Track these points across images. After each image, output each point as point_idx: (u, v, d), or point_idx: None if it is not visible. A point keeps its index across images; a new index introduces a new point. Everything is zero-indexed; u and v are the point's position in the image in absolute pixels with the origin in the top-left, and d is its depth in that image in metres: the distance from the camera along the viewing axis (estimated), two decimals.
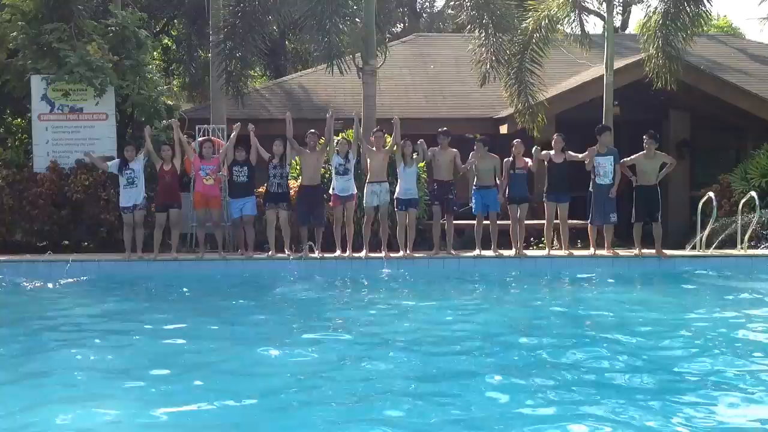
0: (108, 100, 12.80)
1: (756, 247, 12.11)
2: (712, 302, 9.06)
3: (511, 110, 14.59)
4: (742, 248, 11.83)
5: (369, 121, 12.72)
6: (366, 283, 10.37)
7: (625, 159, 11.55)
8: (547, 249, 11.91)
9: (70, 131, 12.78)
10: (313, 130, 11.59)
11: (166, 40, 25.61)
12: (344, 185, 11.36)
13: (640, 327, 7.48)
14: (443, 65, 19.23)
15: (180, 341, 6.90)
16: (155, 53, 20.31)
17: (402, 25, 32.42)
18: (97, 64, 12.38)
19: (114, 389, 5.41)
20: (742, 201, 12.16)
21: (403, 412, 4.89)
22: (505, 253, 11.56)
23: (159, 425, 4.74)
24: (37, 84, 12.71)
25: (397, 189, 11.45)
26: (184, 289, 9.82)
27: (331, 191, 11.44)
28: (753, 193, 12.05)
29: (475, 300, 9.51)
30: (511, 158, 11.55)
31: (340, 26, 12.75)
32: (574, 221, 12.37)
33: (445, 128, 11.81)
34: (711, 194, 12.09)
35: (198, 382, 5.57)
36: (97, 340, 6.97)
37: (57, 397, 5.24)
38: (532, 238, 12.95)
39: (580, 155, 11.56)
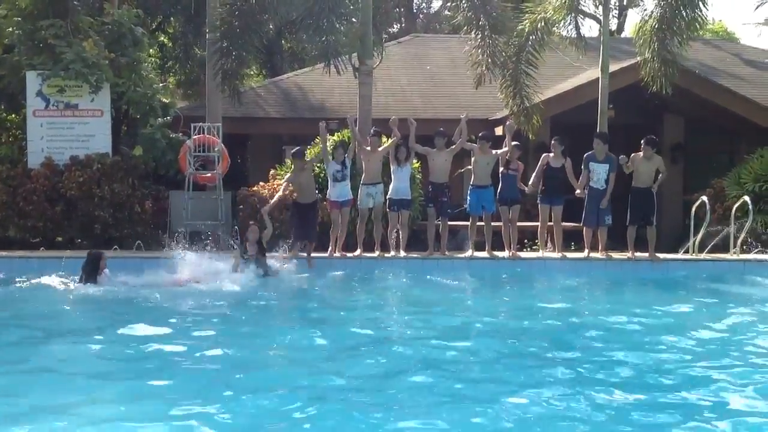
0: (103, 97, 12.79)
1: (748, 251, 12.16)
2: (703, 305, 9.08)
3: (506, 112, 14.61)
4: (734, 252, 11.88)
5: (365, 121, 12.73)
6: (358, 282, 10.38)
7: (622, 156, 11.43)
8: (540, 251, 11.93)
9: (65, 127, 12.79)
10: (299, 147, 11.42)
11: (162, 38, 25.56)
12: (341, 191, 11.26)
13: (631, 329, 7.49)
14: (439, 66, 19.26)
15: (173, 338, 6.90)
16: (151, 51, 20.26)
17: (399, 25, 32.47)
18: (93, 60, 12.39)
19: (102, 389, 5.43)
20: (735, 205, 12.21)
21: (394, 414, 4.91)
22: (499, 254, 11.59)
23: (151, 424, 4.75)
24: (32, 80, 12.70)
25: (390, 189, 11.47)
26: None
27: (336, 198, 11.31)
28: (746, 198, 12.10)
29: (466, 301, 9.54)
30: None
31: (337, 26, 12.75)
32: (569, 224, 12.39)
33: (441, 129, 11.81)
34: (704, 198, 12.14)
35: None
36: (94, 338, 6.97)
37: (56, 394, 5.25)
38: (525, 240, 12.97)
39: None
